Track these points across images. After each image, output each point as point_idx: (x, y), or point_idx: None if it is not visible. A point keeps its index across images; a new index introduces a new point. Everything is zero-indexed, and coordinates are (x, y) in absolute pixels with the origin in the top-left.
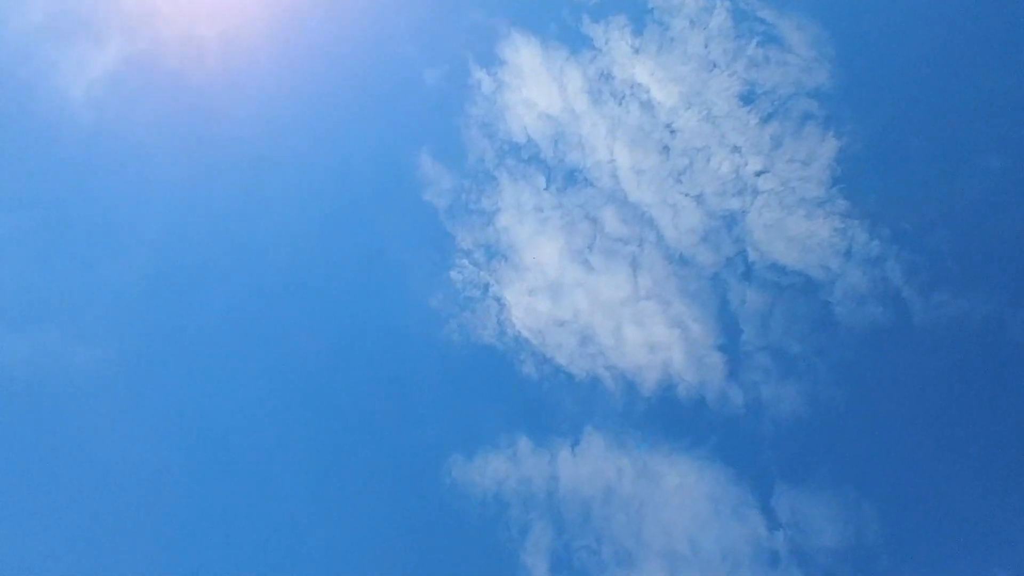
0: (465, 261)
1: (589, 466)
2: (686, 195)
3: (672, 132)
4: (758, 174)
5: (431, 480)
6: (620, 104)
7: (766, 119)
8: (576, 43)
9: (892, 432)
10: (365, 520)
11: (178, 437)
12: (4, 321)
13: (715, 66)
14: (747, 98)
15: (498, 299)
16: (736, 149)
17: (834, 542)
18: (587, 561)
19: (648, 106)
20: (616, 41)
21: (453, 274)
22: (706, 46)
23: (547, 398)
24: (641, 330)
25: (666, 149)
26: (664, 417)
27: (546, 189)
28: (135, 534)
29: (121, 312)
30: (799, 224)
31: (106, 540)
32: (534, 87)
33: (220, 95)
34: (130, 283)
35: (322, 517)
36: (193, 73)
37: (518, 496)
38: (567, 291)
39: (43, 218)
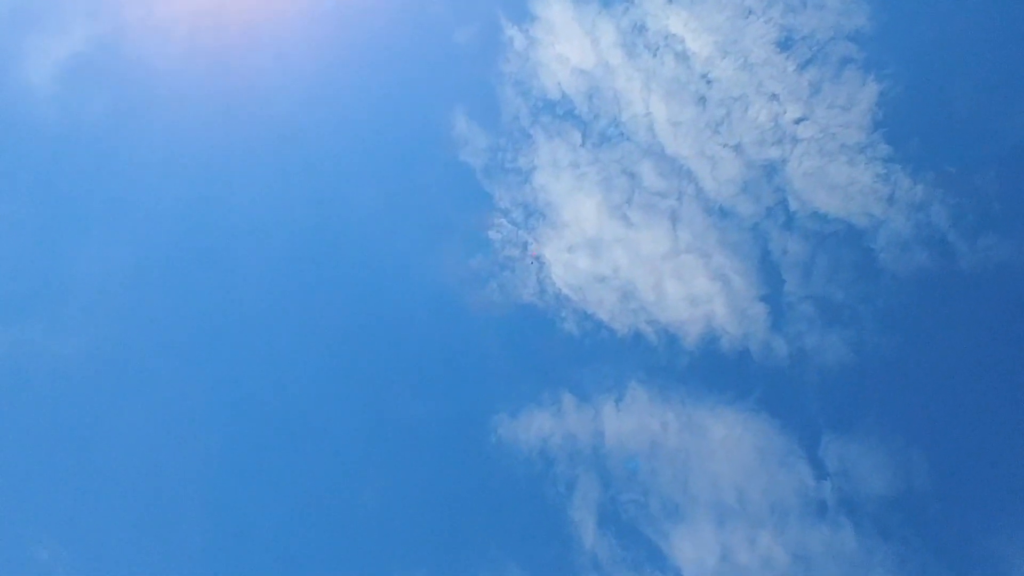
0: (503, 220)
1: (633, 421)
2: (724, 146)
3: (708, 82)
4: (797, 122)
5: (476, 439)
6: (654, 56)
7: (804, 65)
8: None
9: (939, 378)
10: (412, 481)
11: (210, 409)
12: None
13: (751, 13)
14: (784, 44)
15: (537, 257)
16: (774, 97)
17: (883, 490)
18: (634, 514)
19: (683, 57)
20: None
21: (492, 234)
22: None
23: (589, 355)
24: (682, 284)
25: (703, 100)
26: (708, 370)
27: (582, 145)
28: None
29: (129, 291)
30: (840, 171)
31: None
32: (566, 42)
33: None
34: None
35: (368, 481)
36: (206, 37)
37: (564, 452)
38: (606, 247)
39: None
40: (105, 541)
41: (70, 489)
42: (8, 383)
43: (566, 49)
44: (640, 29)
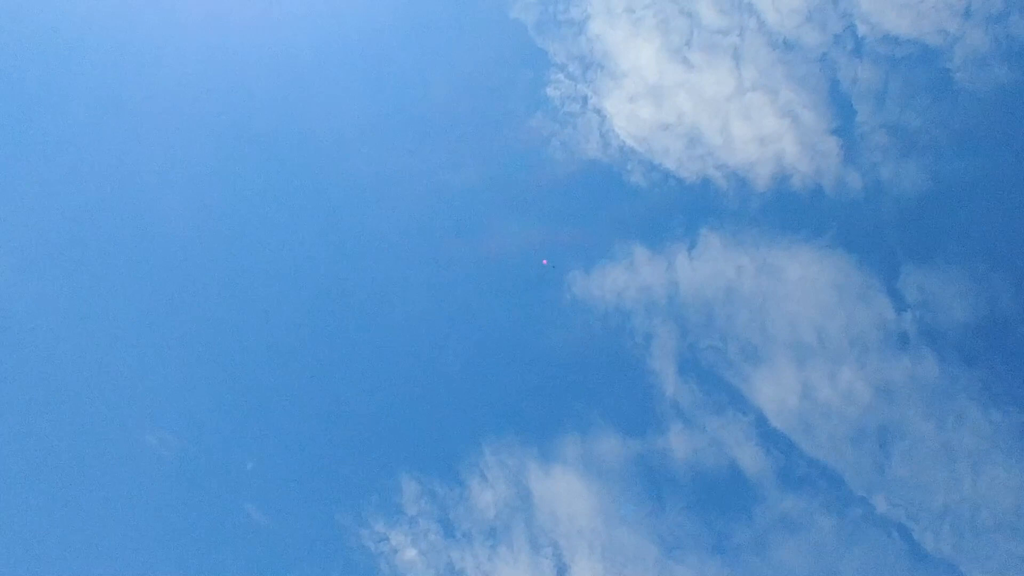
0: (560, 76)
1: (708, 268)
2: None
3: None
4: None
5: (553, 299)
6: None
7: None
8: None
9: (1022, 199)
10: (494, 346)
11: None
12: None
13: None
14: None
15: (598, 111)
16: None
17: (966, 317)
18: (713, 360)
19: None
20: None
21: (550, 91)
22: None
23: (659, 204)
24: (749, 124)
25: None
26: (780, 211)
27: None
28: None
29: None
30: None
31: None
32: None
33: None
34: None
35: (453, 344)
36: None
37: (639, 304)
38: (668, 93)
39: None
40: (209, 427)
41: (176, 379)
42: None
43: None
44: None
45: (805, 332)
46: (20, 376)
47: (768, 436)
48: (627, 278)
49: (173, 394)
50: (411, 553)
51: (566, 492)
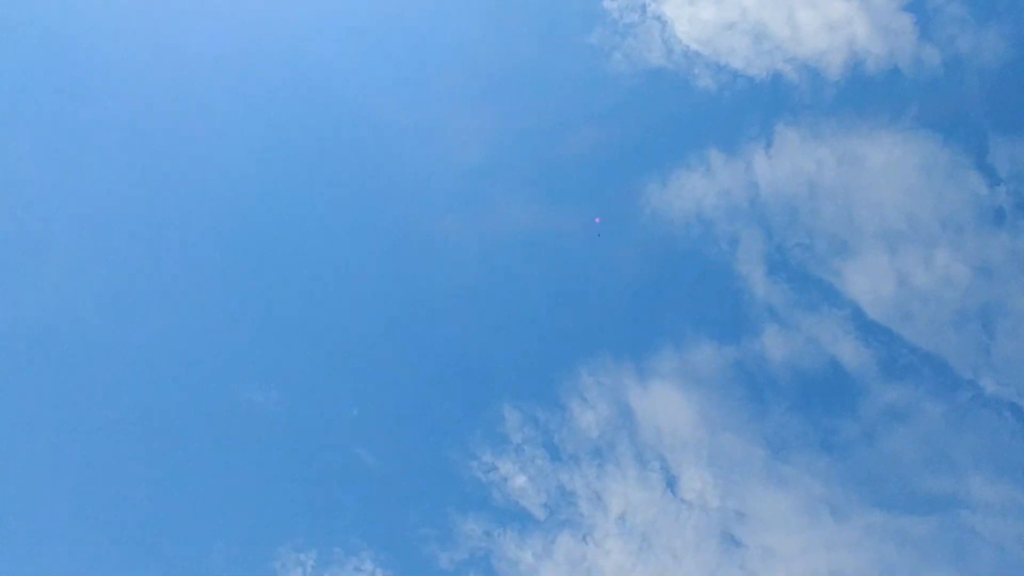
0: None
1: (787, 164)
2: None
3: None
4: None
5: (632, 215)
6: None
7: None
8: None
9: None
10: (579, 270)
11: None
12: None
13: None
14: None
15: (658, 17)
16: None
17: None
18: (802, 258)
19: None
20: None
21: (606, 3)
22: None
23: (730, 106)
24: (816, 12)
25: None
26: (857, 97)
27: None
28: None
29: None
30: None
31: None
32: None
33: None
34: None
35: (539, 273)
36: None
37: (721, 210)
38: None
39: None
40: (310, 380)
41: (274, 337)
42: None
43: None
44: None
45: (895, 219)
46: (130, 343)
47: (866, 328)
48: (705, 185)
49: (272, 352)
50: (521, 480)
51: (667, 405)
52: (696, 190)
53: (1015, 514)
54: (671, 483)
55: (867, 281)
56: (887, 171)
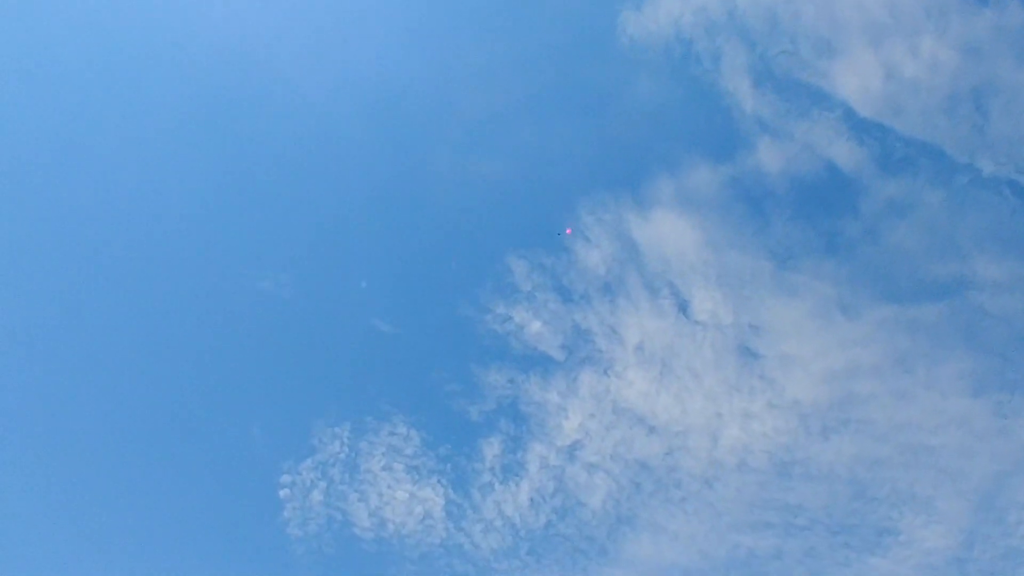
0: None
1: None
2: None
3: None
4: None
5: (610, 45)
6: None
7: None
8: None
9: None
10: (563, 107)
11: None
12: None
13: None
14: None
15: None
16: None
17: None
18: (788, 65)
19: None
20: None
21: None
22: None
23: None
24: None
25: None
26: None
27: None
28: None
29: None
30: None
31: None
32: None
33: None
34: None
35: (524, 116)
36: None
37: (699, 28)
38: None
39: None
40: (316, 263)
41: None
42: None
43: None
44: None
45: (877, 10)
46: (139, 246)
47: (859, 126)
48: (680, 4)
49: (273, 237)
50: (536, 325)
51: (669, 232)
52: (672, 10)
53: (1022, 289)
54: (683, 307)
55: (855, 79)
56: None
